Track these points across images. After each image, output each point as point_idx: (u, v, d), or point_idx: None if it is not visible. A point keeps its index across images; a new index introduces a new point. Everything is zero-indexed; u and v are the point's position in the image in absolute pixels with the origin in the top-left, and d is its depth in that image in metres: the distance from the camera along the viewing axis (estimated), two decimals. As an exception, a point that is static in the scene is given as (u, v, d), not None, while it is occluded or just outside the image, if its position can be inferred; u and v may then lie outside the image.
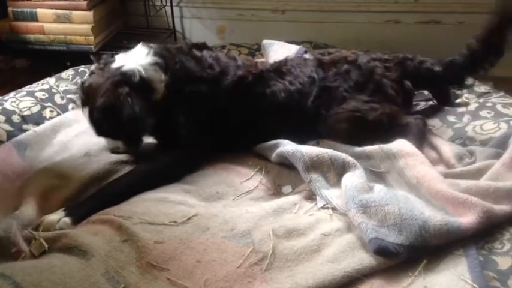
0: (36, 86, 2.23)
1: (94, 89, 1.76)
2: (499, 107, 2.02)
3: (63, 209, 1.59)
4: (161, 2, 3.06)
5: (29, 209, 1.57)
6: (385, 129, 1.80)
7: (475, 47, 1.97)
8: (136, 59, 1.80)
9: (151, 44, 1.90)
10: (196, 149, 1.84)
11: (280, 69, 1.98)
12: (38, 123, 2.03)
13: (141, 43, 1.88)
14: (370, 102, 1.85)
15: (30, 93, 2.16)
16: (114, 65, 1.78)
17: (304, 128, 1.87)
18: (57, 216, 1.55)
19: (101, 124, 1.76)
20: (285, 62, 2.03)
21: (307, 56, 2.18)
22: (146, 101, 1.74)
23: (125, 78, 1.74)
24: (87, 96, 1.78)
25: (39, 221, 1.55)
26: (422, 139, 1.83)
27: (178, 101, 1.82)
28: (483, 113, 2.01)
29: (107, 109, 1.70)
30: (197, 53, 1.94)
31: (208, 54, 1.95)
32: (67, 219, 1.55)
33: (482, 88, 2.22)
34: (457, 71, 2.01)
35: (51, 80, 2.28)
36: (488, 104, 2.06)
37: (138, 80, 1.75)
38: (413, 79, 1.98)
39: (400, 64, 1.99)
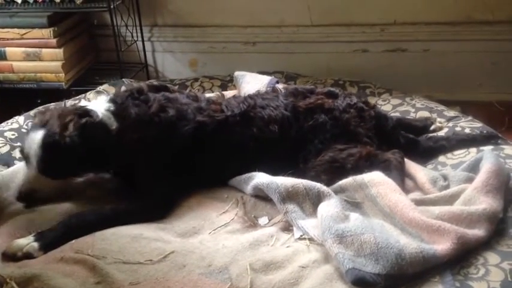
0: (5, 126, 2.19)
1: (55, 115, 1.74)
2: (467, 132, 2.07)
3: (33, 234, 1.61)
4: (132, 37, 3.07)
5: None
6: (366, 170, 1.76)
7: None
8: (97, 103, 1.85)
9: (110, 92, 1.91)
10: (156, 198, 1.78)
11: (248, 113, 1.90)
12: (7, 164, 1.98)
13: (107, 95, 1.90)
14: (347, 149, 1.84)
15: (-1, 133, 2.12)
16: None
17: (277, 169, 1.83)
18: (26, 241, 1.57)
19: (51, 153, 1.69)
20: (253, 104, 1.93)
21: (281, 89, 2.14)
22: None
23: (87, 114, 1.76)
24: (43, 120, 1.74)
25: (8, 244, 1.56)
26: (402, 172, 1.83)
27: (129, 149, 1.77)
28: (453, 137, 2.04)
29: (69, 138, 1.68)
30: (150, 96, 1.87)
31: (163, 97, 1.87)
32: (35, 244, 1.57)
33: (451, 112, 2.27)
34: (418, 151, 2.01)
35: (20, 119, 2.25)
36: (457, 129, 2.11)
37: (98, 120, 1.76)
38: (382, 138, 1.98)
39: (377, 118, 1.98)
